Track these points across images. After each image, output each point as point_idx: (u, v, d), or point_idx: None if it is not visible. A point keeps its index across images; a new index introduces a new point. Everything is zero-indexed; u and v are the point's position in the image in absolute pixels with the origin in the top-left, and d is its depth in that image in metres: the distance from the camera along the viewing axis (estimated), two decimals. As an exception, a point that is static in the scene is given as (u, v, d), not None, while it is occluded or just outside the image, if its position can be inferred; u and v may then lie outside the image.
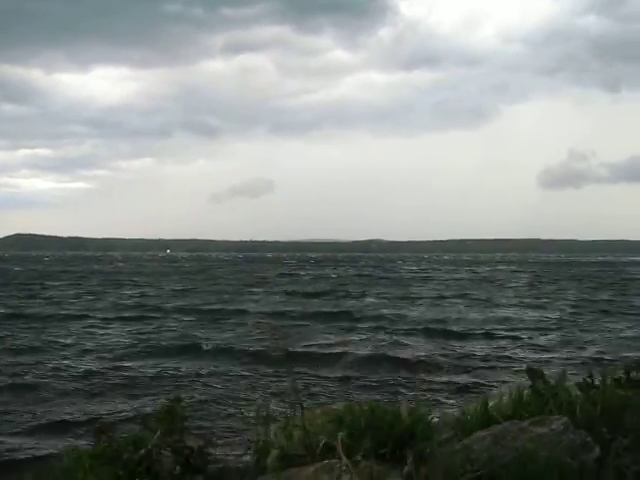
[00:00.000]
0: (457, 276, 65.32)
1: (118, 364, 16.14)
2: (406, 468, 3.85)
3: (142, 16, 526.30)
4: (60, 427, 10.84)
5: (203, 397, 12.43)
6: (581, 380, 5.19)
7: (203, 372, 15.31)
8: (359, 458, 3.79)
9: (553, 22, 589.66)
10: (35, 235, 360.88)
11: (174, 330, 22.74)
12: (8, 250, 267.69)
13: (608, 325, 23.66)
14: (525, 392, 5.12)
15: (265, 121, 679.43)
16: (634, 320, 25.29)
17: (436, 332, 22.00)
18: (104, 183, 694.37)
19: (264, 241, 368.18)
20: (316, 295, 38.86)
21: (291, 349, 14.93)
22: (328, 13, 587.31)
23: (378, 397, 11.44)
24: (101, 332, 22.20)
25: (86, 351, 18.09)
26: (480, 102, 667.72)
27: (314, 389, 12.67)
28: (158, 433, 4.03)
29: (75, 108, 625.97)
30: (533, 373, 5.13)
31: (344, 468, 3.62)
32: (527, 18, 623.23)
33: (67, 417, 11.40)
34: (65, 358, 16.94)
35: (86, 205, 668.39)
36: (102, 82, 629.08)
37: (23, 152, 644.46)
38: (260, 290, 43.41)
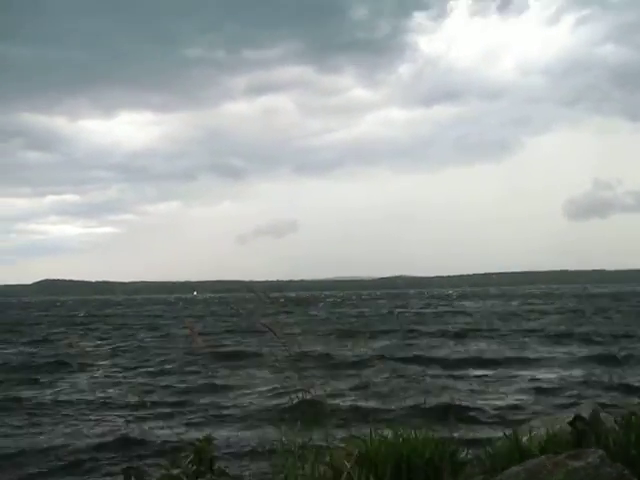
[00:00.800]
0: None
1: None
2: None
3: (164, 60, 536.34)
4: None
5: (226, 434, 12.37)
6: (618, 415, 5.09)
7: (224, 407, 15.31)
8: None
9: (572, 53, 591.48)
10: (63, 280, 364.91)
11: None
12: (37, 296, 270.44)
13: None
14: (558, 426, 5.02)
15: (288, 161, 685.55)
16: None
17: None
18: (131, 227, 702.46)
19: (290, 280, 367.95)
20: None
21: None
22: (348, 52, 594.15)
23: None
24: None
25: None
26: (502, 135, 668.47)
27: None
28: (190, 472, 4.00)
29: (100, 154, 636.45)
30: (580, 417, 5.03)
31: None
32: (545, 50, 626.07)
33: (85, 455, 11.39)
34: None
35: (113, 249, 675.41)
36: (126, 127, 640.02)
37: (50, 199, 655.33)
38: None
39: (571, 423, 4.93)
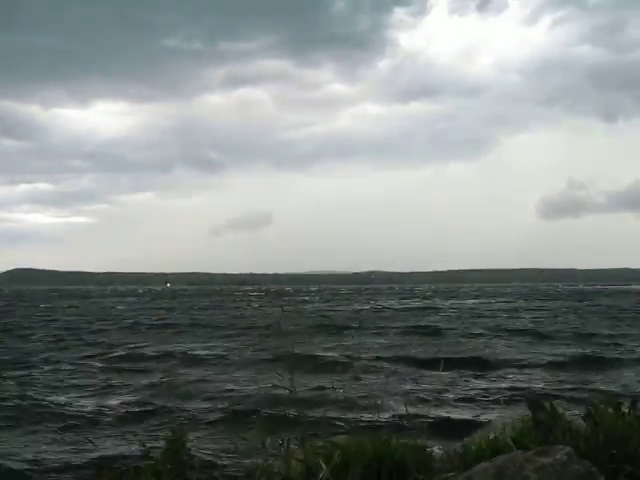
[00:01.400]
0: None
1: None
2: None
3: (141, 50, 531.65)
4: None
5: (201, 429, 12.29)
6: (584, 410, 5.16)
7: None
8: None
9: (548, 52, 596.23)
10: (35, 270, 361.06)
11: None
12: (8, 285, 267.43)
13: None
14: (527, 423, 5.08)
15: (265, 154, 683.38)
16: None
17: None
18: (104, 217, 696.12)
19: (264, 274, 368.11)
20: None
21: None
22: (327, 46, 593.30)
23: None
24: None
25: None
26: (478, 132, 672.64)
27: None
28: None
29: (74, 143, 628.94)
30: (534, 404, 5.10)
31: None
32: (523, 49, 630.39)
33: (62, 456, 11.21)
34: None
35: (86, 239, 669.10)
36: (101, 117, 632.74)
37: (23, 187, 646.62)
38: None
39: (532, 415, 4.99)
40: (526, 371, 19.85)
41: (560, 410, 5.05)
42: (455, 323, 39.40)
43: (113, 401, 15.30)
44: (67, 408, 14.37)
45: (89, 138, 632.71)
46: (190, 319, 46.82)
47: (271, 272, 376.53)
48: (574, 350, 24.01)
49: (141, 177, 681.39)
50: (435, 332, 32.79)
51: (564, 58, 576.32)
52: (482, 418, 12.23)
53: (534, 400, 5.10)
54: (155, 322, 43.67)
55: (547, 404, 5.07)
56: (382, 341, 28.39)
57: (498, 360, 22.05)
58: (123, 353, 24.95)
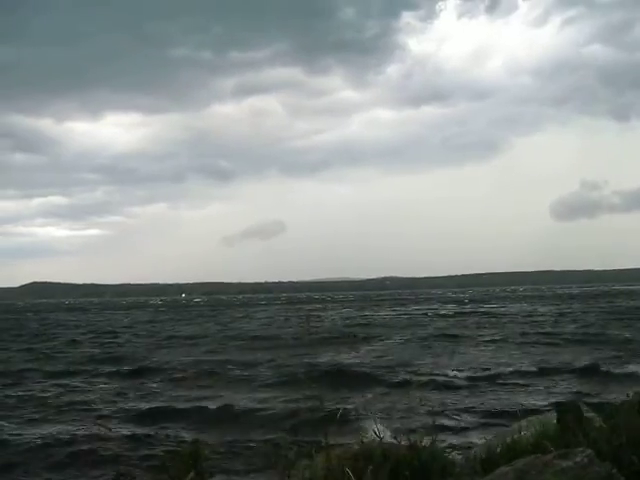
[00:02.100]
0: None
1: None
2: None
3: (151, 61, 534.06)
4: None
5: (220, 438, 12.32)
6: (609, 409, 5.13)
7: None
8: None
9: (559, 53, 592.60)
10: (51, 283, 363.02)
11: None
12: (24, 298, 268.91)
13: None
14: (549, 425, 5.05)
15: (276, 162, 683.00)
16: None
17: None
18: (118, 229, 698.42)
19: (279, 282, 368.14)
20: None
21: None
22: (336, 53, 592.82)
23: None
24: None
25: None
26: (490, 135, 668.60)
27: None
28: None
29: (87, 155, 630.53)
30: (562, 408, 5.07)
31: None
32: (533, 50, 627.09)
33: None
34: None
35: (101, 251, 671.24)
36: (113, 129, 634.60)
37: (37, 201, 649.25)
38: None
39: (558, 419, 4.96)
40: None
41: (587, 414, 5.03)
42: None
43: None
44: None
45: (101, 150, 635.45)
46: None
47: (286, 280, 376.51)
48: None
49: (154, 188, 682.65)
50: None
51: (575, 58, 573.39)
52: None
53: (562, 403, 5.07)
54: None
55: (573, 407, 5.05)
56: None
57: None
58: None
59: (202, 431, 13.18)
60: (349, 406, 14.89)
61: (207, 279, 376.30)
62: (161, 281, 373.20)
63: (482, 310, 63.90)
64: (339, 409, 13.59)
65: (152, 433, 13.08)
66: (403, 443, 4.41)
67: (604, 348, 25.29)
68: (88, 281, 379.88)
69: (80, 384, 20.34)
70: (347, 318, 56.50)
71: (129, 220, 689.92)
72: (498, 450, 4.78)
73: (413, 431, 5.46)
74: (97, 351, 31.39)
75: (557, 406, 5.03)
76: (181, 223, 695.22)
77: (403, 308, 76.88)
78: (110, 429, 12.23)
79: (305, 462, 4.20)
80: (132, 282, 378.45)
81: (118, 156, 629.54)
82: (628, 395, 5.38)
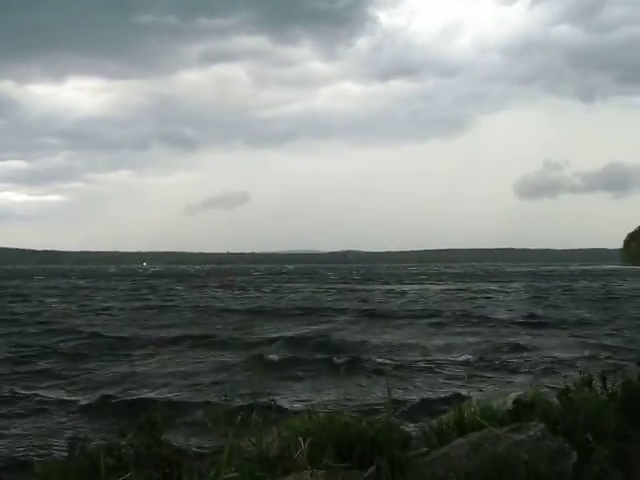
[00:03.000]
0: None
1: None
2: (369, 470, 3.81)
3: (116, 26, 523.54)
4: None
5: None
6: (559, 388, 5.22)
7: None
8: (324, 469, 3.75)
9: (527, 31, 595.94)
10: (8, 249, 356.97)
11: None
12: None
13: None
14: (500, 400, 5.13)
15: (242, 132, 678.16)
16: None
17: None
18: (79, 196, 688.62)
19: (241, 253, 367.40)
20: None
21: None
22: (305, 23, 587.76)
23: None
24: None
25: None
26: (457, 111, 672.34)
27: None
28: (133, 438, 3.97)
29: (49, 120, 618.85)
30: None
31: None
32: (503, 28, 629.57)
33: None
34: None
35: (61, 218, 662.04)
36: (76, 93, 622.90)
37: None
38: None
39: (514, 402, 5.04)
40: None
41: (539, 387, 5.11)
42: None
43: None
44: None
45: (64, 115, 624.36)
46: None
47: (248, 251, 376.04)
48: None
49: (117, 155, 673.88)
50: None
51: (543, 38, 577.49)
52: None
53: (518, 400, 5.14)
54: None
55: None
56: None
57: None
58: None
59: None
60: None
61: (169, 248, 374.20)
62: (122, 249, 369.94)
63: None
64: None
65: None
66: (360, 417, 4.45)
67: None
68: (47, 247, 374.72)
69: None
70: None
71: (91, 187, 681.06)
72: (452, 424, 4.84)
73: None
74: None
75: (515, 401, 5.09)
76: (144, 191, 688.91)
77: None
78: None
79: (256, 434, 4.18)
80: (92, 250, 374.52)
81: (81, 121, 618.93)
82: (582, 373, 5.48)
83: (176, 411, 11.75)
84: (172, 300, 46.41)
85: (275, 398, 5.17)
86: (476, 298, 45.63)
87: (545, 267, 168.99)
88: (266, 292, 57.15)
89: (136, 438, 4.04)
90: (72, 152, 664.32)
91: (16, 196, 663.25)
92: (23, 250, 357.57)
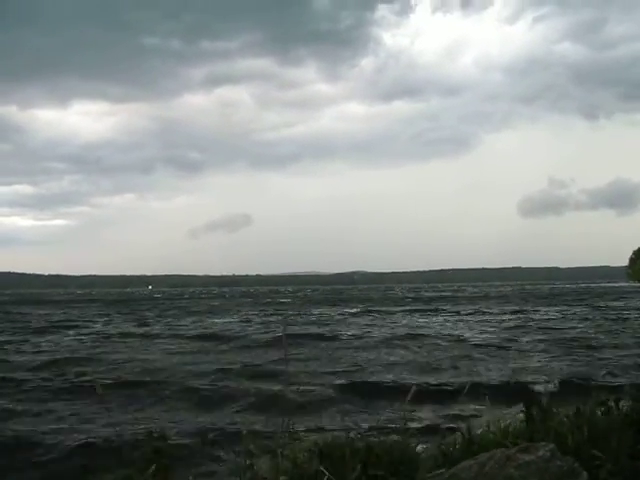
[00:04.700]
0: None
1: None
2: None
3: (120, 49, 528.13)
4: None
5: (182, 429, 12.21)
6: (573, 408, 5.19)
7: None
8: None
9: (531, 50, 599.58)
10: (15, 273, 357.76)
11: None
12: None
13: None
14: (515, 419, 5.10)
15: (245, 155, 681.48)
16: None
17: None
18: (85, 220, 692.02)
19: (246, 275, 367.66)
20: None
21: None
22: (310, 44, 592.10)
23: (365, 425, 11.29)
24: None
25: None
26: (460, 131, 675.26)
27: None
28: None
29: (53, 144, 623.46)
30: (529, 400, 5.11)
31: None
32: (505, 47, 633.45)
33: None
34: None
35: (66, 242, 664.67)
36: (80, 118, 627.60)
37: (1, 190, 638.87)
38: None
39: (525, 411, 4.99)
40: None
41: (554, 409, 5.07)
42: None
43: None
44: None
45: (68, 139, 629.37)
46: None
47: (253, 273, 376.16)
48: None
49: (122, 179, 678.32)
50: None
51: (546, 56, 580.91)
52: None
53: (529, 396, 5.12)
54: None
55: (543, 401, 5.09)
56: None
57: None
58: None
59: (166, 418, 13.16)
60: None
61: (174, 271, 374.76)
62: (127, 272, 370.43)
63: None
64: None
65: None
66: (372, 438, 4.41)
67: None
68: (53, 272, 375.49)
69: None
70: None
71: (96, 211, 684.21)
72: (461, 445, 4.81)
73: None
74: None
75: (524, 401, 5.06)
76: (148, 214, 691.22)
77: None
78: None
79: (269, 457, 4.16)
80: (98, 273, 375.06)
81: (85, 145, 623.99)
82: (592, 396, 5.46)
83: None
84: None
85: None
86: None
87: (569, 286, 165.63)
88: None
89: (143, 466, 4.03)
90: (77, 176, 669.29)
91: (22, 221, 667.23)
92: (28, 275, 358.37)
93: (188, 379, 17.62)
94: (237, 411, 13.73)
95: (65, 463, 10.09)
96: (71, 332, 36.24)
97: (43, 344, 29.06)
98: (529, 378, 17.87)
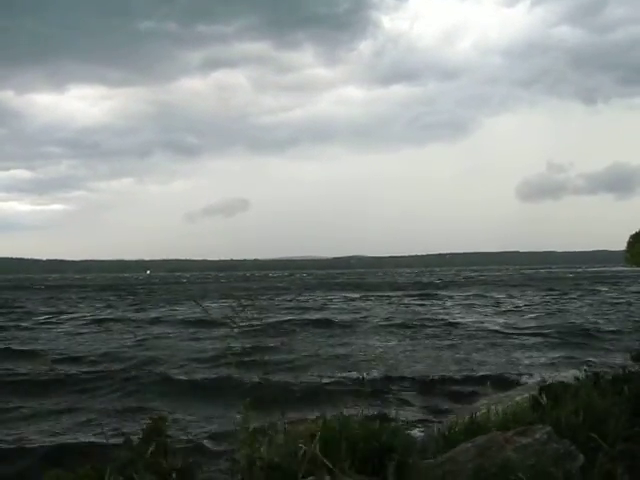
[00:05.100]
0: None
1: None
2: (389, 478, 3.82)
3: (117, 33, 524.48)
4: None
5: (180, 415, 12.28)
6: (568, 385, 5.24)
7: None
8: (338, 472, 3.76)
9: (529, 33, 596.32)
10: (12, 258, 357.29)
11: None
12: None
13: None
14: (517, 401, 5.15)
15: (243, 139, 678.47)
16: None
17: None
18: (82, 204, 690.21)
19: (244, 260, 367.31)
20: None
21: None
22: (307, 27, 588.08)
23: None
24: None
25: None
26: (459, 115, 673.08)
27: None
28: (147, 453, 3.98)
29: (50, 128, 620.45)
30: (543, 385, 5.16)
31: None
32: (504, 30, 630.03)
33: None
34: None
35: (65, 227, 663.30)
36: (78, 102, 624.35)
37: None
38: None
39: (540, 392, 5.03)
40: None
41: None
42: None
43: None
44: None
45: (66, 123, 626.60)
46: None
47: (251, 258, 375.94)
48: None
49: (119, 163, 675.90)
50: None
51: (544, 39, 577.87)
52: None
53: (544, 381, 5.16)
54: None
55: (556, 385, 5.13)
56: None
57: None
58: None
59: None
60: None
61: (172, 256, 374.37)
62: (125, 257, 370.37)
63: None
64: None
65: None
66: (364, 422, 4.44)
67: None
68: (51, 257, 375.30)
69: None
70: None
71: (93, 195, 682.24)
72: (461, 427, 4.85)
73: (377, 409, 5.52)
74: None
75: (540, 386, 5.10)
76: (146, 199, 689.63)
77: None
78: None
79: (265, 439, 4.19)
80: (96, 258, 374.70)
81: (83, 130, 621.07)
82: (585, 371, 5.51)
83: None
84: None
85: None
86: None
87: (569, 269, 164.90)
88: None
89: (142, 447, 4.06)
90: (75, 161, 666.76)
91: (20, 206, 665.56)
92: (27, 260, 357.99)
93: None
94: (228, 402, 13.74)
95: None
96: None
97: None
98: (526, 362, 18.04)
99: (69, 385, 15.23)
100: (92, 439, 10.10)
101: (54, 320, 35.33)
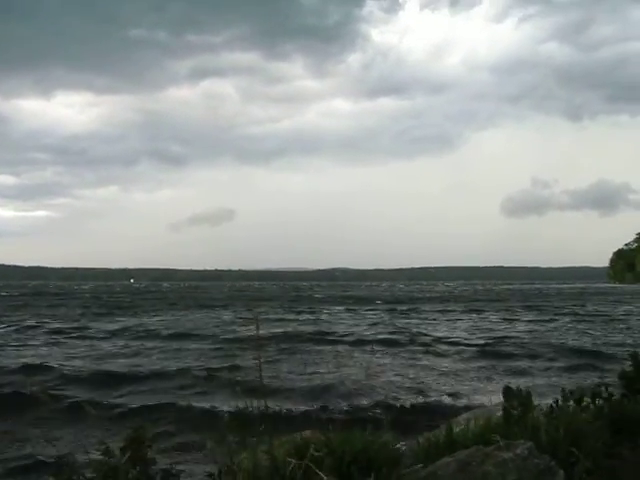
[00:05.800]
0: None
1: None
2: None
3: (105, 41, 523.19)
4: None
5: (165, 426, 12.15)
6: (549, 404, 5.24)
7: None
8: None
9: (517, 49, 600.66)
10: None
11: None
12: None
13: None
14: (495, 416, 5.14)
15: (231, 149, 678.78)
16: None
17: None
18: (67, 211, 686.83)
19: (229, 270, 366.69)
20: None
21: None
22: (297, 39, 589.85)
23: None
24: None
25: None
26: (446, 129, 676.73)
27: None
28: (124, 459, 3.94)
29: (36, 135, 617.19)
30: (508, 393, 5.15)
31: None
32: (492, 45, 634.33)
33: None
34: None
35: (48, 234, 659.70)
36: (64, 109, 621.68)
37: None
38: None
39: (505, 406, 5.02)
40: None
41: (530, 401, 5.09)
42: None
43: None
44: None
45: (52, 130, 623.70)
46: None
47: (236, 268, 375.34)
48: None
49: (105, 171, 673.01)
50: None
51: (532, 55, 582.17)
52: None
53: (510, 388, 5.15)
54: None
55: (523, 394, 5.11)
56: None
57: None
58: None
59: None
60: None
61: (156, 265, 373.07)
62: (109, 266, 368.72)
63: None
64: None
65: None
66: (352, 434, 4.42)
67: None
68: (33, 264, 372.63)
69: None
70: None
71: (78, 202, 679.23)
72: (441, 441, 4.84)
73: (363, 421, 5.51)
74: None
75: (505, 392, 5.10)
76: (132, 207, 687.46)
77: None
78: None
79: (247, 454, 4.15)
80: (79, 266, 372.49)
81: (69, 136, 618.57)
82: (564, 391, 5.51)
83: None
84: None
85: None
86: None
87: (556, 286, 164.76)
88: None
89: (122, 455, 4.02)
90: (60, 167, 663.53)
91: (4, 211, 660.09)
92: (7, 266, 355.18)
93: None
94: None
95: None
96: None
97: None
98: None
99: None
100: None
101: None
